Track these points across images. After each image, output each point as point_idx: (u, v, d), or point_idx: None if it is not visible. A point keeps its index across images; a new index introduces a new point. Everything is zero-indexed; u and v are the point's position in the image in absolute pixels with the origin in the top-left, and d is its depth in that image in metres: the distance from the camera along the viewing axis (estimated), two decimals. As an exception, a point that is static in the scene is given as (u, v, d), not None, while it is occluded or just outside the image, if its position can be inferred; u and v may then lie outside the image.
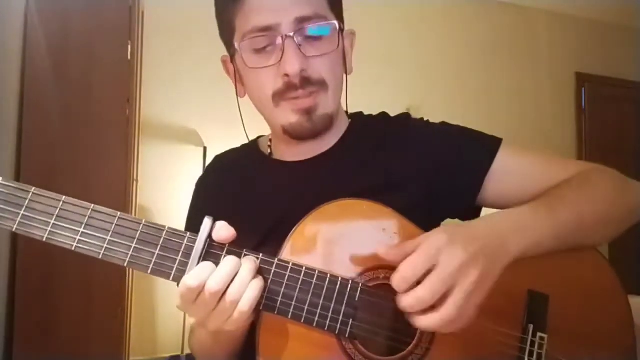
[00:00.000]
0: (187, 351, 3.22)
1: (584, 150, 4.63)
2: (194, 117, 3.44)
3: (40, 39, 1.91)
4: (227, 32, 0.83)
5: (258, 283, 0.63)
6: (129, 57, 2.10)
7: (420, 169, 0.83)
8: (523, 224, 0.70)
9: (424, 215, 0.78)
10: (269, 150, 0.92)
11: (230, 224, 0.66)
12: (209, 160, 3.73)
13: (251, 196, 0.87)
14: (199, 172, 3.84)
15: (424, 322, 0.61)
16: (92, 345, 1.92)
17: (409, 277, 0.61)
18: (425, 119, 0.91)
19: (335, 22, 0.80)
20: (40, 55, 1.91)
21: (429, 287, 0.60)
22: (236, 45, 0.80)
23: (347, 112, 0.93)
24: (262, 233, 0.79)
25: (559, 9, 4.56)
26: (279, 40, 0.76)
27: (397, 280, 0.61)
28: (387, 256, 0.65)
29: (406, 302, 0.61)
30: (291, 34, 0.76)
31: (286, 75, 0.77)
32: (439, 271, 0.60)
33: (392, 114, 0.94)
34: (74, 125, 1.95)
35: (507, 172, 0.82)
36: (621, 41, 4.71)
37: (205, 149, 3.37)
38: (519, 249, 0.68)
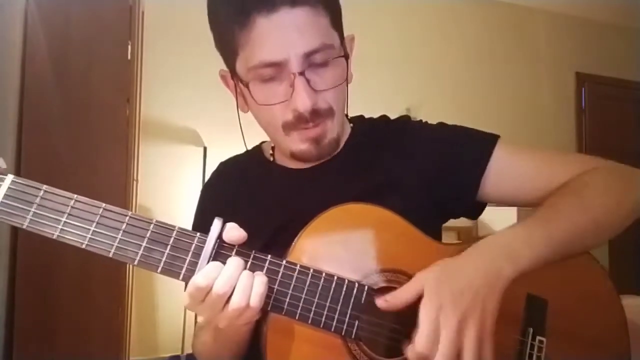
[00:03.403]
0: (187, 351, 3.22)
1: (584, 150, 4.64)
2: (194, 117, 3.44)
3: (40, 38, 1.91)
4: (227, 52, 0.80)
5: (260, 278, 0.64)
6: (129, 57, 2.10)
7: (421, 170, 0.83)
8: (517, 248, 0.69)
9: (426, 216, 0.79)
10: (271, 158, 0.92)
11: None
12: (209, 160, 3.70)
13: (255, 202, 0.87)
14: (199, 172, 3.82)
15: None
16: (92, 345, 1.92)
17: (427, 354, 0.62)
18: (423, 120, 0.91)
19: (343, 56, 0.79)
20: (40, 55, 1.91)
21: (444, 356, 0.61)
22: (242, 72, 0.78)
23: (347, 115, 0.93)
24: (267, 238, 0.79)
25: (559, 9, 4.56)
26: (288, 76, 0.75)
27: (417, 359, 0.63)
28: (387, 308, 0.66)
29: None
30: (301, 71, 0.74)
31: (296, 109, 0.76)
32: (444, 339, 0.62)
33: (391, 114, 0.94)
34: (74, 124, 1.95)
35: (504, 168, 0.82)
36: (621, 41, 4.72)
37: (205, 149, 3.37)
38: (514, 273, 0.67)
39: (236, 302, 0.62)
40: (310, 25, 0.75)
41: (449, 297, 0.63)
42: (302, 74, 0.74)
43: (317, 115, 0.77)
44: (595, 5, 4.43)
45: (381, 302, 0.67)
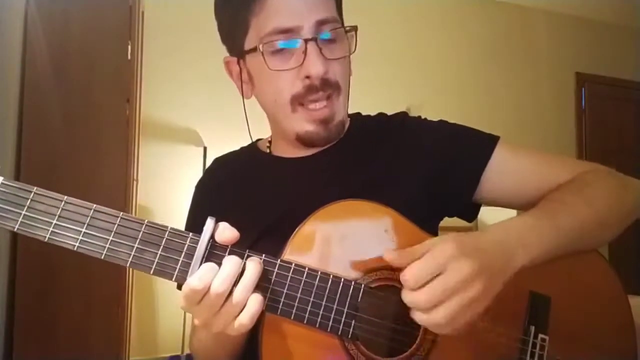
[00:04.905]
0: (187, 351, 3.22)
1: (584, 150, 4.64)
2: (194, 117, 3.44)
3: (40, 39, 1.91)
4: (237, 31, 0.82)
5: (258, 298, 0.63)
6: (129, 57, 2.10)
7: (418, 166, 0.83)
8: (527, 237, 0.69)
9: (423, 213, 0.78)
10: (268, 150, 0.92)
11: (231, 221, 0.66)
12: (209, 160, 3.71)
13: (252, 192, 0.87)
14: (199, 172, 3.83)
15: (415, 316, 0.62)
16: (92, 346, 1.92)
17: (414, 281, 0.60)
18: (423, 117, 0.91)
19: (348, 26, 0.82)
20: (40, 56, 1.91)
21: (426, 293, 0.60)
22: (255, 45, 0.79)
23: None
24: (263, 228, 0.79)
25: (559, 9, 4.56)
26: (299, 43, 0.77)
27: (405, 279, 0.61)
28: (394, 261, 0.64)
29: (405, 299, 0.62)
30: (313, 37, 0.76)
31: (307, 77, 0.77)
32: (441, 280, 0.60)
33: (391, 114, 0.94)
34: (74, 125, 1.95)
35: (503, 170, 0.82)
36: (621, 41, 4.72)
37: (205, 149, 3.37)
38: (522, 263, 0.68)
39: (238, 295, 0.61)
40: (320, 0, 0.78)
41: (469, 252, 0.62)
42: (314, 40, 0.76)
43: (327, 84, 0.78)
44: (595, 5, 4.42)
45: (389, 253, 0.65)
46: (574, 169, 0.81)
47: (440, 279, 0.60)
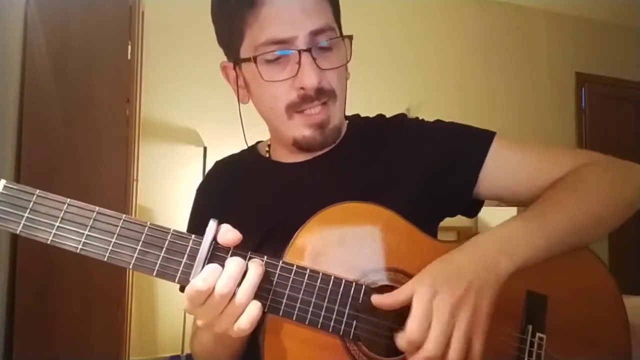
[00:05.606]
0: (187, 351, 3.22)
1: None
2: (194, 117, 3.44)
3: (40, 39, 1.92)
4: (232, 39, 0.82)
5: (257, 304, 0.63)
6: (129, 57, 2.10)
7: (417, 167, 0.83)
8: (514, 242, 0.70)
9: (423, 214, 0.78)
10: (267, 155, 0.92)
11: (232, 225, 0.66)
12: (209, 160, 3.73)
13: (252, 197, 0.88)
14: (199, 172, 3.83)
15: None
16: (92, 345, 1.92)
17: (418, 340, 0.63)
18: (420, 118, 0.91)
19: (344, 35, 0.82)
20: (40, 55, 1.91)
21: (434, 343, 0.62)
22: (249, 55, 0.79)
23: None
24: (264, 232, 0.79)
25: (559, 9, 4.57)
26: (294, 53, 0.76)
27: (407, 345, 0.63)
28: (382, 303, 0.67)
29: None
30: (308, 48, 0.76)
31: (302, 88, 0.77)
32: (435, 325, 0.62)
33: (389, 115, 0.94)
34: (74, 125, 1.95)
35: (502, 164, 0.82)
36: (621, 41, 4.72)
37: (205, 149, 3.38)
38: (508, 270, 0.68)
39: (241, 295, 0.62)
40: (316, 7, 0.78)
41: (444, 284, 0.65)
42: (308, 51, 0.76)
43: (321, 93, 0.79)
44: (595, 5, 4.43)
45: (375, 297, 0.67)
46: (574, 160, 0.81)
47: (434, 324, 0.63)
